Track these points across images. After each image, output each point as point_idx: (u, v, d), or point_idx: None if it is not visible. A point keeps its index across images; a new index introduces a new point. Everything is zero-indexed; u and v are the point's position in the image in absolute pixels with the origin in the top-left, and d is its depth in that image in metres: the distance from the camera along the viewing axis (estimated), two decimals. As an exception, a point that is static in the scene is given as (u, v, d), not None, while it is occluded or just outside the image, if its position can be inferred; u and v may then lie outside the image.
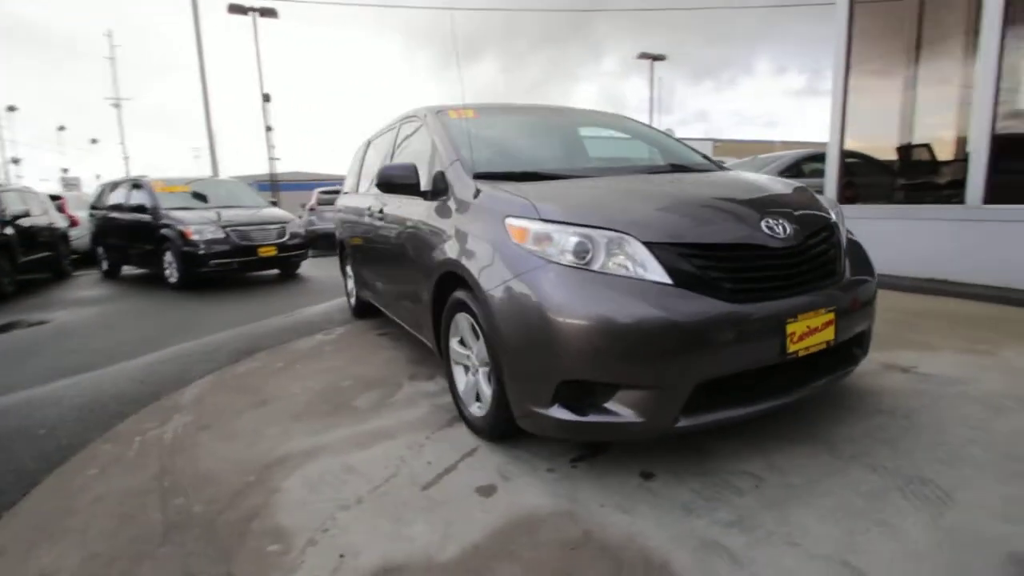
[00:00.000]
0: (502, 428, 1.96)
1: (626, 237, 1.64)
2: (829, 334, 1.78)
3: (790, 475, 1.73)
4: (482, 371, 2.05)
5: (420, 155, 2.83)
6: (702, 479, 1.73)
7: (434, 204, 2.38)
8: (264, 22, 18.81)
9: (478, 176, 2.17)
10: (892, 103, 5.20)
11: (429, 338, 2.54)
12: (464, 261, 1.94)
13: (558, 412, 1.63)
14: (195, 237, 6.39)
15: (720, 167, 2.74)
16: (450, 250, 2.08)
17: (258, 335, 4.09)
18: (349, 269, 4.55)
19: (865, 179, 5.45)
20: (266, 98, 21.06)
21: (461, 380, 2.26)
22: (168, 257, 6.72)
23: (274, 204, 8.47)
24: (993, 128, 4.02)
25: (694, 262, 1.64)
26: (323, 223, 11.16)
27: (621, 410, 1.59)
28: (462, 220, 2.09)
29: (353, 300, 4.51)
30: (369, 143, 4.17)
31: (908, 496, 1.58)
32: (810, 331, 1.72)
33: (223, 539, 1.60)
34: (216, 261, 6.47)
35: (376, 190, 3.45)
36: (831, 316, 1.77)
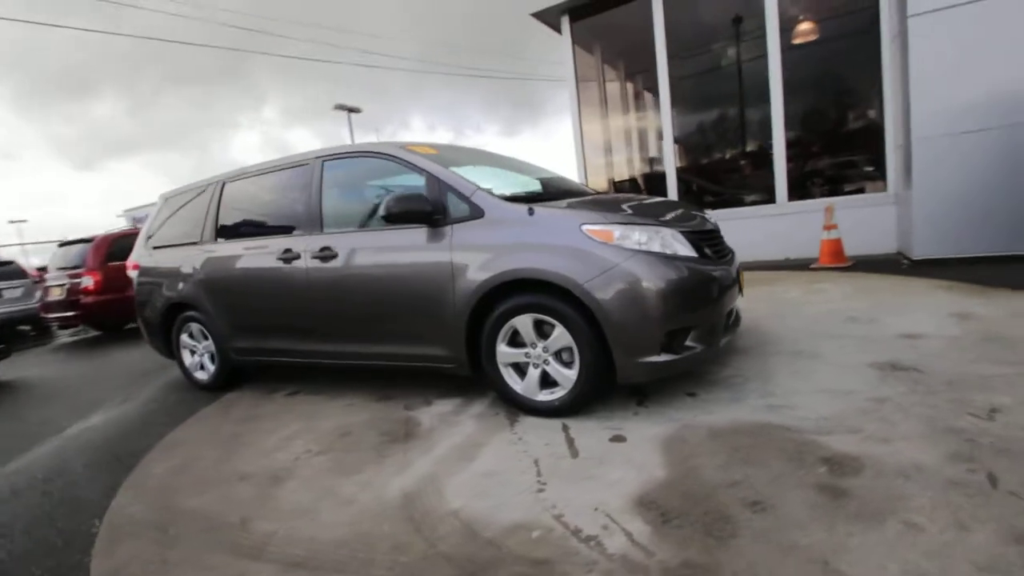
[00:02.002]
0: (588, 398, 2.40)
1: (667, 229, 2.39)
2: (743, 282, 2.93)
3: (752, 369, 2.77)
4: (553, 360, 2.43)
5: (376, 189, 2.92)
6: (719, 385, 2.60)
7: (449, 229, 2.59)
8: None
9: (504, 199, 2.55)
10: (605, 152, 7.43)
11: (454, 358, 2.66)
12: (542, 266, 2.32)
13: (663, 357, 2.24)
14: None
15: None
16: (511, 262, 2.39)
17: (107, 439, 3.04)
18: (191, 338, 3.80)
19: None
20: None
21: (515, 379, 2.55)
22: None
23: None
24: (676, 166, 6.39)
25: (698, 243, 2.51)
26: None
27: (695, 344, 2.32)
28: (515, 235, 2.43)
29: (207, 374, 3.78)
30: (224, 186, 3.64)
31: (812, 359, 2.82)
32: (742, 281, 2.82)
33: (486, 558, 1.60)
34: None
35: (277, 232, 3.24)
36: (741, 272, 2.92)
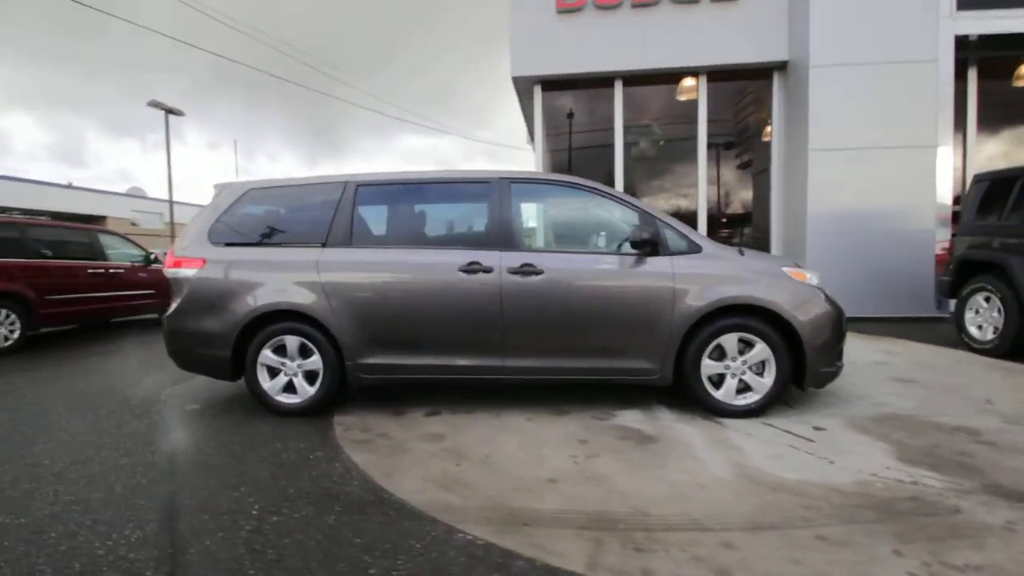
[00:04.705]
0: (775, 401, 3.11)
1: (815, 271, 3.34)
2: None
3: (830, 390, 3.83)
4: (749, 371, 3.09)
5: (582, 221, 3.26)
6: (823, 394, 3.56)
7: (669, 259, 3.09)
8: None
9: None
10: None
11: (657, 370, 3.08)
12: (761, 295, 3.00)
13: (833, 367, 3.11)
14: None
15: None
16: (730, 291, 3.01)
17: (279, 469, 2.50)
18: (277, 354, 3.33)
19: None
20: None
21: (711, 387, 3.11)
22: None
23: None
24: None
25: (816, 287, 3.53)
26: None
27: (840, 360, 3.26)
28: (730, 269, 3.07)
29: (300, 397, 3.32)
30: (357, 188, 3.38)
31: (849, 376, 4.01)
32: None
33: (872, 503, 2.15)
34: None
35: (454, 246, 3.33)
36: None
